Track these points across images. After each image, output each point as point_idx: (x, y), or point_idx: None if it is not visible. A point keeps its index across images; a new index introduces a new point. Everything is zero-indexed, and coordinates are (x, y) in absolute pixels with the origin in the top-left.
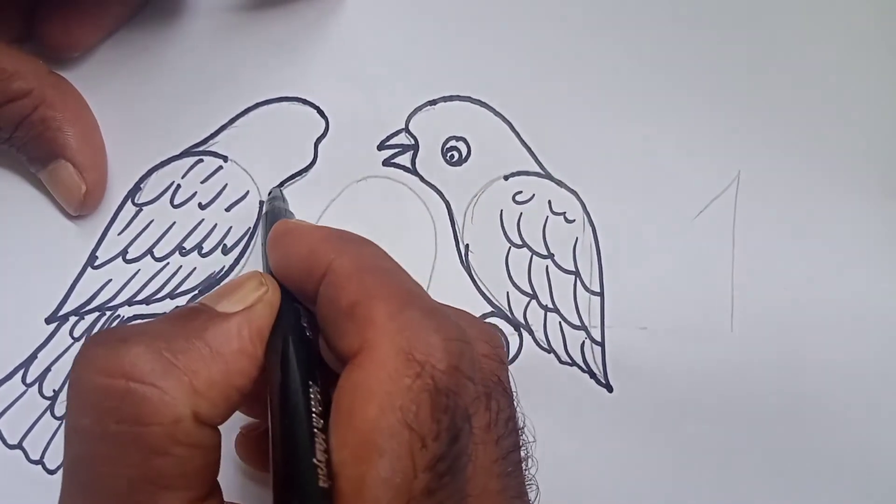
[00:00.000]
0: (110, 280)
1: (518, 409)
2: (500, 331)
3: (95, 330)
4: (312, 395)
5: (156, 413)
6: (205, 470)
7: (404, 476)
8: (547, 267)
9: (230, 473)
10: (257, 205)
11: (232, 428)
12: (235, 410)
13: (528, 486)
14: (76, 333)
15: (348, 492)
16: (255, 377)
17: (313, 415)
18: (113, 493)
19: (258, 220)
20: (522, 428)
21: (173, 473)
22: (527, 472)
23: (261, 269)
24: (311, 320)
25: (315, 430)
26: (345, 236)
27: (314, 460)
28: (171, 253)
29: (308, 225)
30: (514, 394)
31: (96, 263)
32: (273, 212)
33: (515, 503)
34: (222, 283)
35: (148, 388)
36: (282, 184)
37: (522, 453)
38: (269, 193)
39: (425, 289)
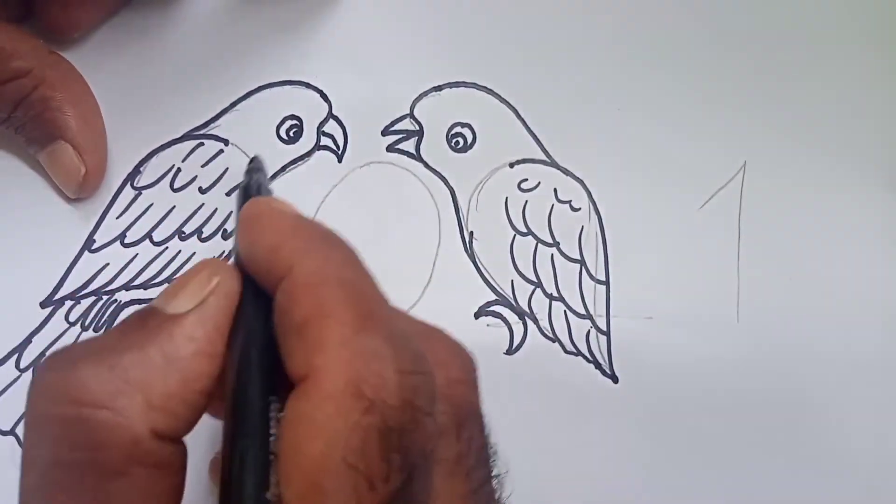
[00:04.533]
0: (108, 264)
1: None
2: (471, 355)
3: (91, 314)
4: (273, 413)
5: (110, 436)
6: (167, 493)
7: None
8: (552, 255)
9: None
10: None
11: (203, 459)
12: (202, 414)
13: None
14: (72, 318)
15: None
16: (217, 376)
17: (271, 436)
18: None
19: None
20: (495, 456)
21: (132, 497)
22: (500, 501)
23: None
24: None
25: (272, 456)
26: (315, 234)
27: (267, 495)
28: (171, 237)
29: (279, 212)
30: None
31: (94, 247)
32: (248, 187)
33: None
34: (175, 278)
35: (100, 411)
36: (276, 174)
37: (494, 483)
38: (250, 162)
39: (428, 276)
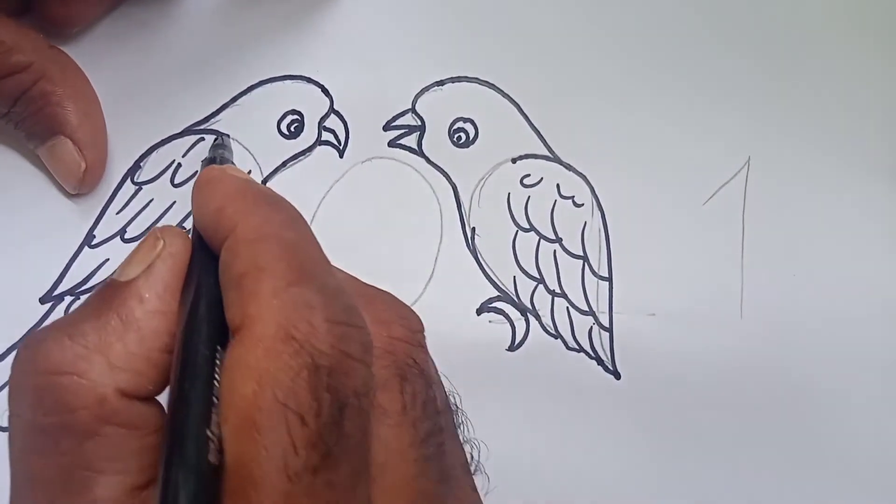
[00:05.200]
0: (108, 259)
1: (451, 394)
2: (417, 316)
3: None
4: (219, 360)
5: (77, 398)
6: (142, 453)
7: (284, 452)
8: (555, 251)
9: None
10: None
11: None
12: (168, 372)
13: (473, 473)
14: None
15: (231, 468)
16: (175, 332)
17: (216, 382)
18: (49, 483)
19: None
20: (448, 411)
21: (106, 456)
22: (472, 460)
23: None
24: None
25: (215, 399)
26: (260, 196)
27: (208, 431)
28: None
29: (230, 176)
30: (440, 378)
31: (94, 242)
32: (211, 160)
33: (440, 488)
34: None
35: (65, 377)
36: (277, 169)
37: (445, 437)
38: (215, 139)
39: (430, 272)
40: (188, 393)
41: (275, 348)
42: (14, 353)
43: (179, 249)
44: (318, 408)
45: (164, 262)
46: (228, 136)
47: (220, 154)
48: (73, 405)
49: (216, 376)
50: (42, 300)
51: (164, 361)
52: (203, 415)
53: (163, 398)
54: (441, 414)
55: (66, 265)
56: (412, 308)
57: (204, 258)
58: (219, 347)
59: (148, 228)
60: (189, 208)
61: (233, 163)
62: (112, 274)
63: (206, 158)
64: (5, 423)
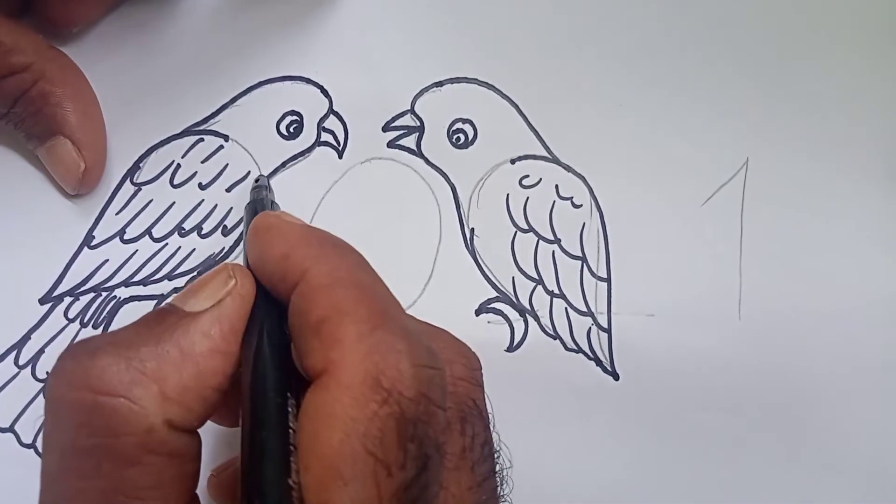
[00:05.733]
0: (107, 260)
1: (494, 433)
2: (475, 354)
3: (90, 311)
4: (291, 409)
5: (126, 424)
6: (181, 480)
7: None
8: (553, 252)
9: None
10: None
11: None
12: (215, 411)
13: (501, 484)
14: (71, 314)
15: None
16: (231, 374)
17: (290, 430)
18: None
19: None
20: (498, 452)
21: (147, 484)
22: (502, 496)
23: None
24: None
25: (291, 446)
26: (326, 241)
27: (290, 481)
28: (170, 233)
29: (289, 223)
30: (490, 416)
31: (93, 243)
32: (256, 202)
33: None
34: (193, 282)
35: (117, 400)
36: (276, 170)
37: (498, 479)
38: (256, 181)
39: (428, 272)
40: (265, 443)
41: (363, 396)
42: (13, 354)
43: (249, 291)
44: (403, 459)
45: (234, 302)
46: (266, 176)
47: (263, 196)
48: (120, 430)
49: (290, 424)
50: (41, 301)
51: (214, 400)
52: (283, 463)
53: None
54: (496, 457)
55: (66, 266)
56: (468, 345)
57: (265, 305)
58: (288, 395)
59: (147, 229)
60: (187, 208)
61: (277, 204)
62: (173, 300)
63: (250, 202)
64: (3, 424)
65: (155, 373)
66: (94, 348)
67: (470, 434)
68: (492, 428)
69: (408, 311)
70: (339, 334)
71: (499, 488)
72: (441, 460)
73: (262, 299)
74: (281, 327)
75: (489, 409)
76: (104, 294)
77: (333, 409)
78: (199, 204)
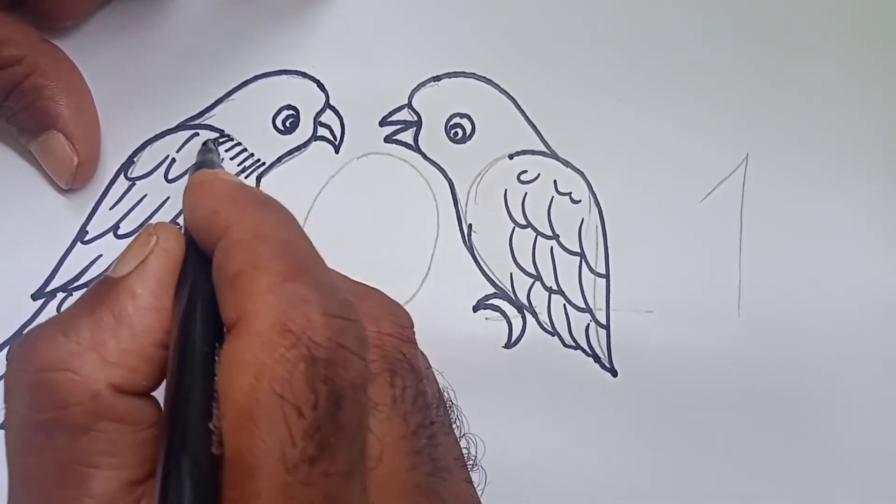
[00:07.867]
0: (100, 255)
1: (445, 389)
2: (406, 313)
3: None
4: (217, 357)
5: (70, 394)
6: (140, 447)
7: (281, 444)
8: (552, 248)
9: None
10: (254, 181)
11: None
12: (163, 368)
13: (470, 468)
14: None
15: (231, 459)
16: (170, 328)
17: (215, 377)
18: (44, 479)
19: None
20: (440, 405)
21: (102, 451)
22: (467, 453)
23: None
24: None
25: (215, 393)
26: (254, 198)
27: (210, 425)
28: None
29: (222, 180)
30: (436, 372)
31: (86, 238)
32: (201, 163)
33: (433, 479)
34: None
35: (59, 373)
36: (272, 165)
37: (436, 429)
38: (204, 144)
39: (426, 268)
40: (189, 388)
41: (271, 341)
42: (7, 350)
43: (173, 245)
44: (314, 399)
45: (158, 258)
46: (217, 139)
47: (209, 158)
48: (66, 401)
49: (215, 372)
50: (34, 296)
51: (159, 357)
52: (204, 409)
53: (158, 394)
54: (432, 407)
55: (59, 261)
56: (402, 305)
57: (197, 258)
58: (216, 345)
59: (142, 224)
60: (181, 204)
61: (221, 166)
62: (106, 270)
63: (195, 163)
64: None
65: (90, 341)
66: (37, 332)
67: (400, 385)
68: (438, 386)
69: (405, 307)
70: (252, 286)
71: (441, 438)
72: (363, 405)
73: (193, 254)
74: (210, 283)
75: (431, 367)
76: None
77: (244, 356)
78: None
